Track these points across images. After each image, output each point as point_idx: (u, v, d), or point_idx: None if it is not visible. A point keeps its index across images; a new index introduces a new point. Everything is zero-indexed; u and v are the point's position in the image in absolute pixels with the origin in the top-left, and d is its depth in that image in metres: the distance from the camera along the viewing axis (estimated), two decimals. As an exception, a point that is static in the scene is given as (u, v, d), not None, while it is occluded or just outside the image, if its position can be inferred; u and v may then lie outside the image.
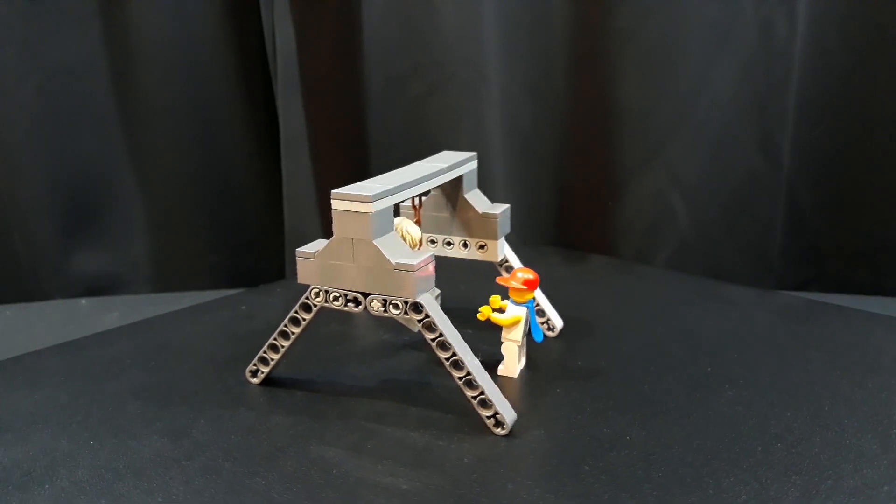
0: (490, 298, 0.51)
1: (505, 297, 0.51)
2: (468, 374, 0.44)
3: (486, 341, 0.53)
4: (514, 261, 0.57)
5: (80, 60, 0.92)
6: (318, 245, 0.47)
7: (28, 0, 0.88)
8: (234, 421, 0.47)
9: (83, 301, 0.99)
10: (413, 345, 0.57)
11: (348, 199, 0.44)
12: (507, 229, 0.57)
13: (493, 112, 0.94)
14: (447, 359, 0.44)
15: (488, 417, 0.44)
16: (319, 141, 0.94)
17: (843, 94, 0.91)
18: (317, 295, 0.47)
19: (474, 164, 0.57)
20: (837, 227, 0.96)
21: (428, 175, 0.50)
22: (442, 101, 0.92)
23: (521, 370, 0.53)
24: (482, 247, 0.56)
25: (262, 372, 0.51)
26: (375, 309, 0.45)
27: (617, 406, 0.48)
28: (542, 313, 0.59)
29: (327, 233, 0.46)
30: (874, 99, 0.90)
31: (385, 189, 0.45)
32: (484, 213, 0.55)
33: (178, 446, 0.44)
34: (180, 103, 0.94)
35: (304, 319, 0.48)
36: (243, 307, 0.69)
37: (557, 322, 0.59)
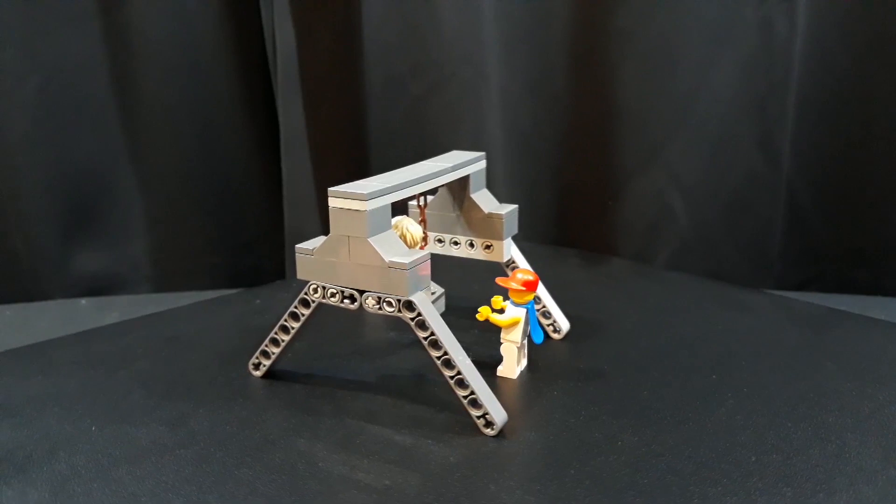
0: (492, 299, 0.51)
1: (507, 297, 0.51)
2: (459, 373, 0.44)
3: (492, 342, 0.52)
4: (521, 262, 0.57)
5: (80, 60, 0.92)
6: (317, 242, 0.47)
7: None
8: (232, 412, 0.48)
9: (83, 301, 0.99)
10: (417, 343, 0.56)
11: (344, 197, 0.44)
12: (515, 230, 0.57)
13: (493, 112, 0.94)
14: (438, 357, 0.45)
15: (478, 417, 0.44)
16: (319, 141, 0.94)
17: (843, 94, 0.91)
18: (315, 291, 0.48)
19: (482, 164, 0.56)
20: (837, 227, 0.96)
21: (429, 174, 0.50)
22: (442, 101, 0.92)
23: (522, 371, 0.53)
24: (488, 247, 0.56)
25: (264, 365, 0.52)
26: (370, 306, 0.46)
27: (613, 411, 0.48)
28: (547, 315, 0.58)
29: (327, 232, 0.47)
30: (874, 99, 0.90)
31: (382, 188, 0.45)
32: (489, 214, 0.55)
33: (175, 435, 0.45)
34: (180, 103, 0.94)
35: (302, 315, 0.49)
36: (258, 301, 0.70)
37: (563, 324, 0.59)
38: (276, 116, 0.95)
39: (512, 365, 0.52)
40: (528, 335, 0.52)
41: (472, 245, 0.56)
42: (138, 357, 0.57)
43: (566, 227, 0.99)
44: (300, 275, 0.48)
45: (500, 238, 0.55)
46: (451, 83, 0.92)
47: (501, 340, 0.51)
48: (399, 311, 0.45)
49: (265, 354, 0.52)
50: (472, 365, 0.45)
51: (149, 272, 1.01)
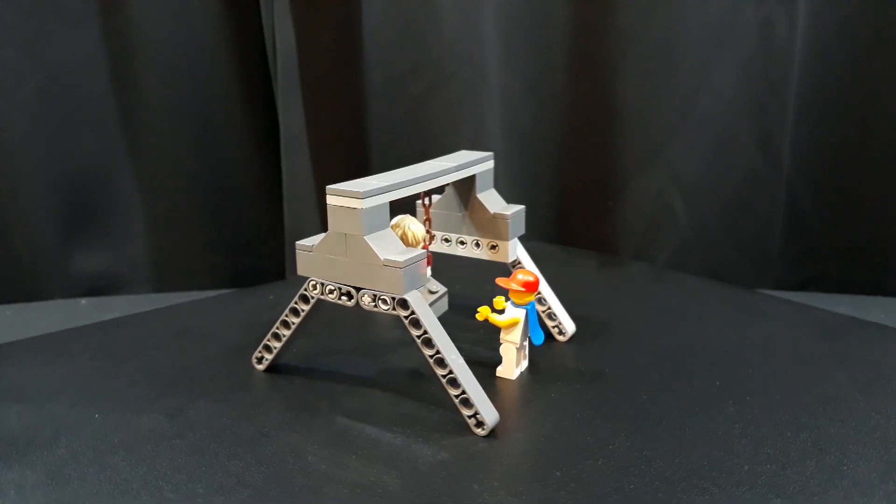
0: (494, 300, 0.51)
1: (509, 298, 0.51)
2: (451, 372, 0.44)
3: (495, 342, 0.52)
4: (528, 263, 0.57)
5: (80, 60, 0.92)
6: (317, 239, 0.48)
7: None
8: (230, 404, 0.49)
9: (83, 301, 0.99)
10: None
11: (342, 195, 0.45)
12: (521, 231, 0.56)
13: (493, 112, 0.94)
14: (431, 356, 0.45)
15: (469, 417, 0.45)
16: (319, 141, 0.94)
17: (842, 94, 0.91)
18: (314, 287, 0.48)
19: (489, 165, 0.56)
20: (837, 227, 0.96)
21: (430, 174, 0.50)
22: (442, 101, 0.92)
23: (522, 373, 0.53)
24: (493, 247, 0.56)
25: (267, 359, 0.53)
26: (366, 303, 0.46)
27: (608, 414, 0.47)
28: (552, 316, 0.57)
29: (326, 231, 0.47)
30: (874, 99, 0.90)
31: (378, 186, 0.45)
32: (495, 214, 0.55)
33: (173, 424, 0.47)
34: (180, 103, 0.94)
35: (302, 310, 0.50)
36: (271, 297, 0.71)
37: (568, 326, 0.58)
38: (276, 116, 0.95)
39: (511, 366, 0.52)
40: (528, 336, 0.52)
41: (477, 245, 0.56)
42: (149, 348, 0.59)
43: (566, 227, 0.99)
44: (300, 271, 0.48)
45: (506, 238, 0.55)
46: (451, 83, 0.92)
47: (501, 341, 0.51)
48: (394, 308, 0.45)
49: (267, 349, 0.53)
50: (465, 364, 0.45)
51: (149, 272, 1.01)
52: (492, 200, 0.56)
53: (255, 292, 0.74)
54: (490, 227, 0.55)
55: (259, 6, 0.91)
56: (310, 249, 0.47)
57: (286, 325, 0.51)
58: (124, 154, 0.96)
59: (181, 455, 0.43)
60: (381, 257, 0.44)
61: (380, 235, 0.45)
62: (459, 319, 0.53)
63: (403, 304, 0.45)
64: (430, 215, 0.57)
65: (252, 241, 1.03)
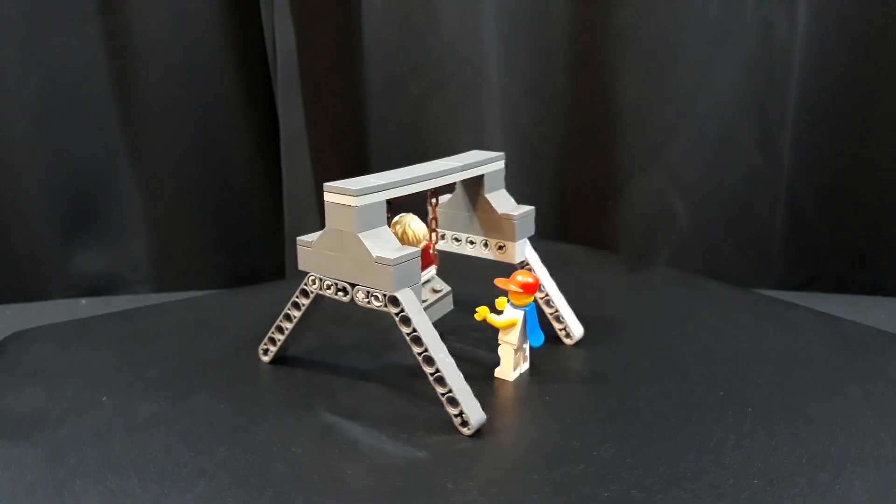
0: (496, 300, 0.51)
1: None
2: (438, 370, 0.45)
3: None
4: (537, 264, 0.56)
5: (80, 60, 0.92)
6: (316, 235, 0.49)
7: None
8: (230, 393, 0.50)
9: (83, 301, 0.99)
10: None
11: (337, 192, 0.45)
12: (530, 232, 0.56)
13: (493, 112, 0.94)
14: (419, 354, 0.45)
15: (455, 416, 0.45)
16: (319, 141, 0.94)
17: (842, 94, 0.91)
18: (313, 282, 0.49)
19: (500, 165, 0.56)
20: (837, 227, 0.96)
21: (430, 173, 0.50)
22: (442, 101, 0.92)
23: (522, 374, 0.52)
24: (501, 248, 0.56)
25: (271, 351, 0.54)
26: (360, 300, 0.47)
27: (600, 420, 0.46)
28: (560, 319, 0.57)
29: (325, 229, 0.47)
30: (874, 99, 0.90)
31: (373, 184, 0.46)
32: (503, 215, 0.55)
33: (173, 411, 0.48)
34: (180, 103, 0.94)
35: (303, 304, 0.51)
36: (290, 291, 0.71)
37: (575, 330, 0.57)
38: (276, 116, 0.95)
39: (508, 367, 0.51)
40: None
41: (486, 245, 0.56)
42: (166, 337, 0.61)
43: (566, 228, 0.99)
44: (300, 266, 0.49)
45: (513, 239, 0.55)
46: (451, 83, 0.92)
47: (498, 342, 0.51)
48: (385, 305, 0.46)
49: (272, 341, 0.54)
50: (453, 364, 0.45)
51: (149, 272, 1.01)
52: (501, 201, 0.56)
53: (278, 286, 0.75)
54: (498, 227, 0.55)
55: (259, 6, 0.91)
56: (309, 245, 0.48)
57: (288, 318, 0.52)
58: (124, 154, 0.96)
59: (174, 440, 0.45)
60: (374, 254, 0.45)
61: (375, 233, 0.46)
62: (466, 319, 0.53)
63: (394, 301, 0.45)
64: (437, 214, 0.57)
65: (252, 241, 1.03)
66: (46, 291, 0.99)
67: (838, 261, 0.97)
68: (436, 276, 0.54)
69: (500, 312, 0.51)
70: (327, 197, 0.46)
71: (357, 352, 0.57)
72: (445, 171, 0.51)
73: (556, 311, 0.57)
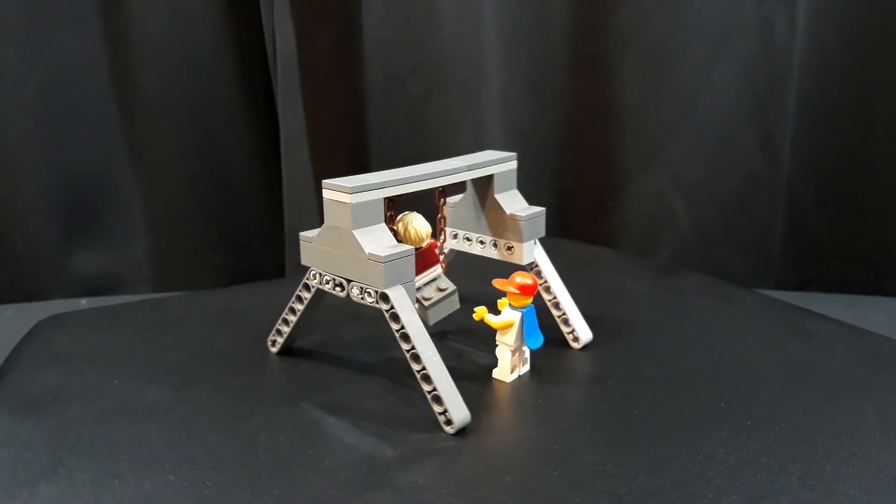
0: (498, 301, 0.51)
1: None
2: (424, 368, 0.45)
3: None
4: (547, 266, 0.56)
5: (80, 60, 0.92)
6: (317, 231, 0.50)
7: None
8: (233, 382, 0.52)
9: (83, 301, 0.99)
10: (432, 337, 0.57)
11: (334, 189, 0.46)
12: (540, 233, 0.56)
13: (493, 112, 0.94)
14: (407, 351, 0.46)
15: (439, 414, 0.45)
16: (319, 141, 0.94)
17: (842, 94, 0.91)
18: (314, 277, 0.50)
19: (511, 165, 0.56)
20: (837, 227, 0.96)
21: (431, 173, 0.50)
22: (442, 101, 0.92)
23: (521, 375, 0.52)
24: (510, 248, 0.55)
25: (279, 342, 0.56)
26: (355, 295, 0.48)
27: (590, 425, 0.46)
28: (567, 322, 0.56)
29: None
30: (874, 99, 0.90)
31: (369, 182, 0.46)
32: (510, 215, 0.54)
33: (176, 397, 0.50)
34: (180, 103, 0.94)
35: (305, 298, 0.52)
36: None
37: (583, 334, 0.56)
38: (276, 116, 0.95)
39: (505, 368, 0.51)
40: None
41: (495, 245, 0.56)
42: (187, 326, 0.63)
43: (566, 228, 0.99)
44: (302, 261, 0.51)
45: (520, 240, 0.54)
46: (451, 83, 0.92)
47: (496, 343, 0.51)
48: (377, 301, 0.46)
49: (279, 333, 0.56)
50: (440, 362, 0.45)
51: (149, 272, 1.01)
52: (510, 201, 0.55)
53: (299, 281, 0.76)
54: (506, 228, 0.55)
55: (259, 6, 0.91)
56: (311, 241, 0.50)
57: (293, 311, 0.54)
58: (124, 154, 0.96)
59: (170, 425, 0.46)
60: (366, 251, 0.46)
61: (370, 230, 0.47)
62: (472, 319, 0.52)
63: (385, 297, 0.46)
64: (447, 213, 0.57)
65: (252, 241, 1.03)
66: (46, 291, 0.99)
67: (838, 261, 0.97)
68: (442, 275, 0.54)
69: (500, 313, 0.50)
70: (325, 194, 0.47)
71: (363, 347, 0.57)
72: (446, 170, 0.51)
73: (564, 314, 0.56)
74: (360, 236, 0.46)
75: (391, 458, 0.42)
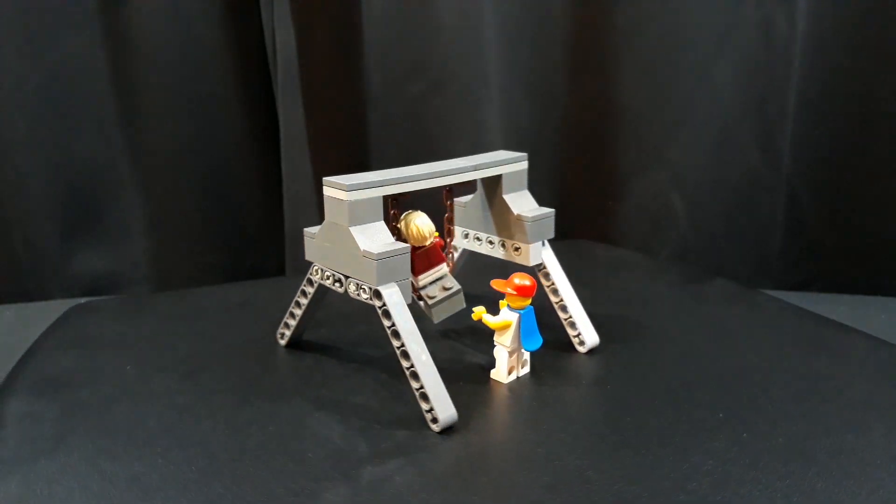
0: (500, 302, 0.51)
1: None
2: (412, 366, 0.45)
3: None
4: (555, 268, 0.56)
5: (80, 60, 0.92)
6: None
7: None
8: (237, 371, 0.53)
9: (83, 301, 0.99)
10: (435, 337, 0.58)
11: (333, 187, 0.47)
12: (548, 234, 0.55)
13: (493, 112, 0.94)
14: (397, 347, 0.46)
15: (426, 411, 0.45)
16: (319, 140, 0.94)
17: (843, 95, 0.91)
18: (316, 272, 0.52)
19: (521, 166, 0.56)
20: (837, 227, 0.96)
21: (431, 172, 0.50)
22: (442, 101, 0.92)
23: (519, 377, 0.52)
24: (517, 249, 0.55)
25: (286, 335, 0.57)
26: (352, 291, 0.48)
27: (578, 432, 0.45)
28: (573, 326, 0.55)
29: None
30: (874, 99, 0.90)
31: (367, 181, 0.47)
32: (518, 216, 0.54)
33: (182, 384, 0.51)
34: (180, 103, 0.94)
35: (309, 293, 0.53)
36: None
37: (589, 338, 0.55)
38: (276, 116, 0.95)
39: (502, 369, 0.51)
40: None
41: (503, 246, 0.56)
42: (205, 316, 0.65)
43: (566, 228, 0.99)
44: (306, 256, 0.52)
45: (527, 241, 0.54)
46: (450, 83, 0.92)
47: (494, 343, 0.51)
48: (371, 298, 0.47)
49: (286, 326, 0.57)
50: (429, 360, 0.46)
51: (149, 272, 1.01)
52: (519, 202, 0.55)
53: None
54: (514, 228, 0.55)
55: (259, 6, 0.91)
56: (313, 237, 0.51)
57: (298, 305, 0.55)
58: (124, 154, 0.96)
59: (169, 411, 0.48)
60: (361, 248, 0.46)
61: (367, 227, 0.47)
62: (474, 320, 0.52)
63: (377, 294, 0.46)
64: (456, 213, 0.57)
65: (252, 241, 1.03)
66: (46, 291, 0.99)
67: (838, 261, 0.97)
68: (448, 275, 0.54)
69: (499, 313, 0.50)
70: (326, 191, 0.48)
71: (367, 344, 0.58)
72: (448, 170, 0.51)
73: (571, 317, 0.55)
74: (356, 233, 0.47)
75: (371, 454, 0.43)
